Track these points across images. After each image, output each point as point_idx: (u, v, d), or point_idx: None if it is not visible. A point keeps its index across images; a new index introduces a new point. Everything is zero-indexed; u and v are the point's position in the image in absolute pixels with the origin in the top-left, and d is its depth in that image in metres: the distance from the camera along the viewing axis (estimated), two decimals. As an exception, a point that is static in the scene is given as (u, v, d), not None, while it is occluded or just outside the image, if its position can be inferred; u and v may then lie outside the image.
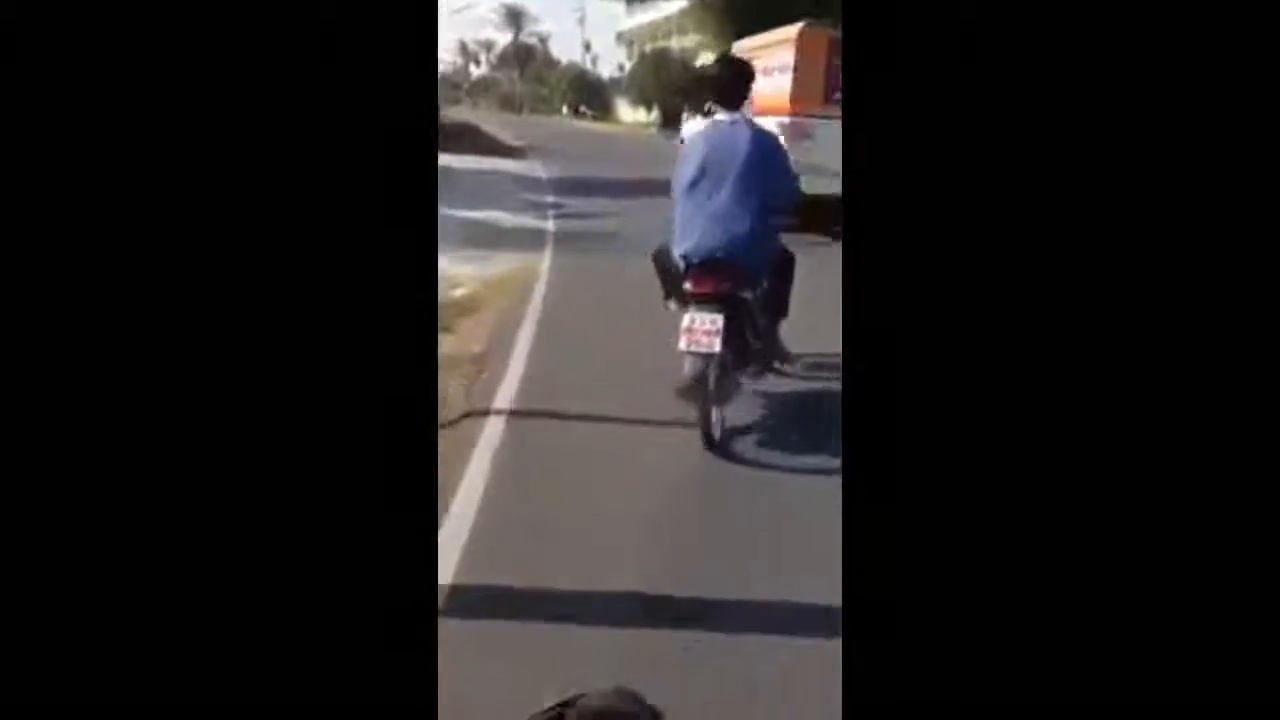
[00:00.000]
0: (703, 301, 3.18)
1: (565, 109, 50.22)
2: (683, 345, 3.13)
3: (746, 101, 3.50)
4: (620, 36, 41.70)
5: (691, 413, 3.22)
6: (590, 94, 48.77)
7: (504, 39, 67.41)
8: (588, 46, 52.89)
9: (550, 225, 8.90)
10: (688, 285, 3.25)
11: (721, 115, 3.42)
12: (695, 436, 3.22)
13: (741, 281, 3.27)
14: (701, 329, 3.11)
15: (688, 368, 3.16)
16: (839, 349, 1.10)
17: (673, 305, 3.52)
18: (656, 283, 3.64)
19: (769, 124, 4.70)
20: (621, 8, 41.56)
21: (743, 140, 3.28)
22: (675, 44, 30.54)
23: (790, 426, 3.53)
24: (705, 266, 3.23)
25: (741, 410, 3.52)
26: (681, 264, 3.33)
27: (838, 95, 7.91)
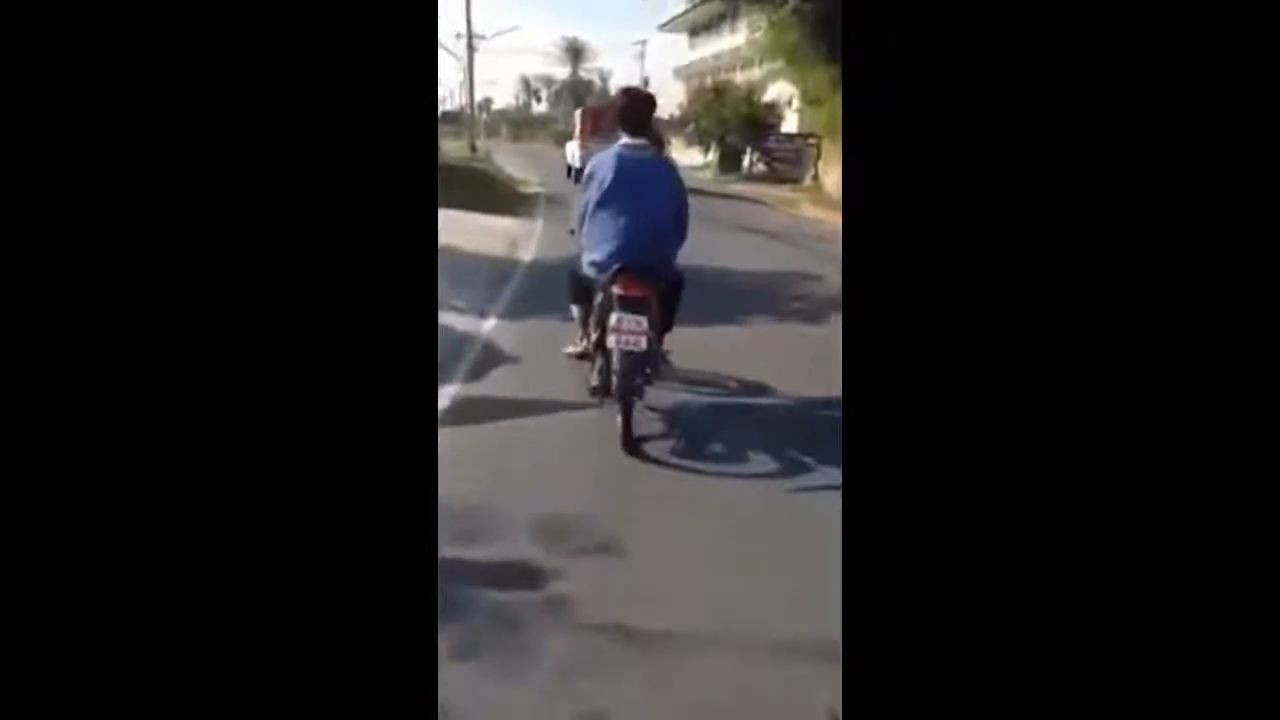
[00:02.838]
0: (629, 304, 3.40)
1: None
2: (612, 342, 3.39)
3: (649, 129, 3.71)
4: (678, 71, 39.85)
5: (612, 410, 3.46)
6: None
7: (563, 74, 67.30)
8: (645, 82, 51.73)
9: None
10: (616, 290, 3.44)
11: (628, 140, 3.61)
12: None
13: (658, 287, 3.57)
14: (629, 329, 3.36)
15: (618, 363, 3.41)
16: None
17: (575, 311, 4.02)
18: None
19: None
20: (685, 39, 40.07)
21: (650, 163, 3.60)
22: (740, 78, 28.51)
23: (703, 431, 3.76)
24: (632, 271, 3.46)
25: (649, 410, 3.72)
26: (593, 271, 3.60)
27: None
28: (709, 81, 29.58)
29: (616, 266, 3.45)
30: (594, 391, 3.58)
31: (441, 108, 44.93)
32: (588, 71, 66.72)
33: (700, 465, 3.44)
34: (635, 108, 3.67)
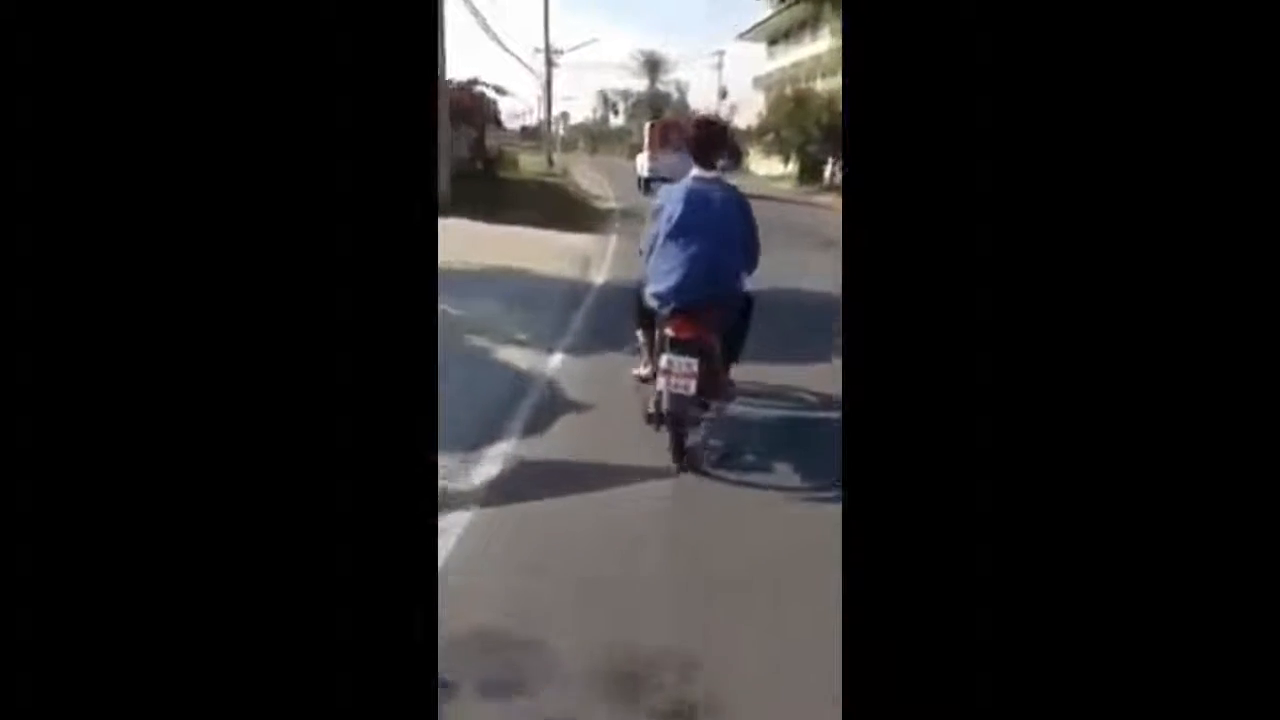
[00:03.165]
0: (680, 346, 3.36)
1: (695, 159, 47.89)
2: (661, 385, 3.37)
3: (721, 160, 3.68)
4: (758, 81, 38.92)
5: (664, 441, 3.41)
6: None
7: (640, 87, 66.81)
8: (723, 94, 50.98)
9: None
10: (669, 331, 3.42)
11: (698, 172, 3.56)
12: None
13: (715, 328, 3.48)
14: (679, 372, 3.31)
15: (667, 403, 3.40)
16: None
17: (640, 336, 3.94)
18: None
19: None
20: (764, 49, 39.20)
21: (719, 197, 3.49)
22: (820, 86, 27.49)
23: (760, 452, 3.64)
24: (686, 313, 3.41)
25: (711, 436, 3.55)
26: (655, 303, 3.53)
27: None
28: (789, 90, 28.62)
29: (672, 306, 3.44)
30: (649, 419, 3.58)
31: (520, 123, 45.21)
32: (665, 84, 66.07)
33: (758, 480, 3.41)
34: (707, 138, 3.63)
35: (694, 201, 3.45)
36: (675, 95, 64.74)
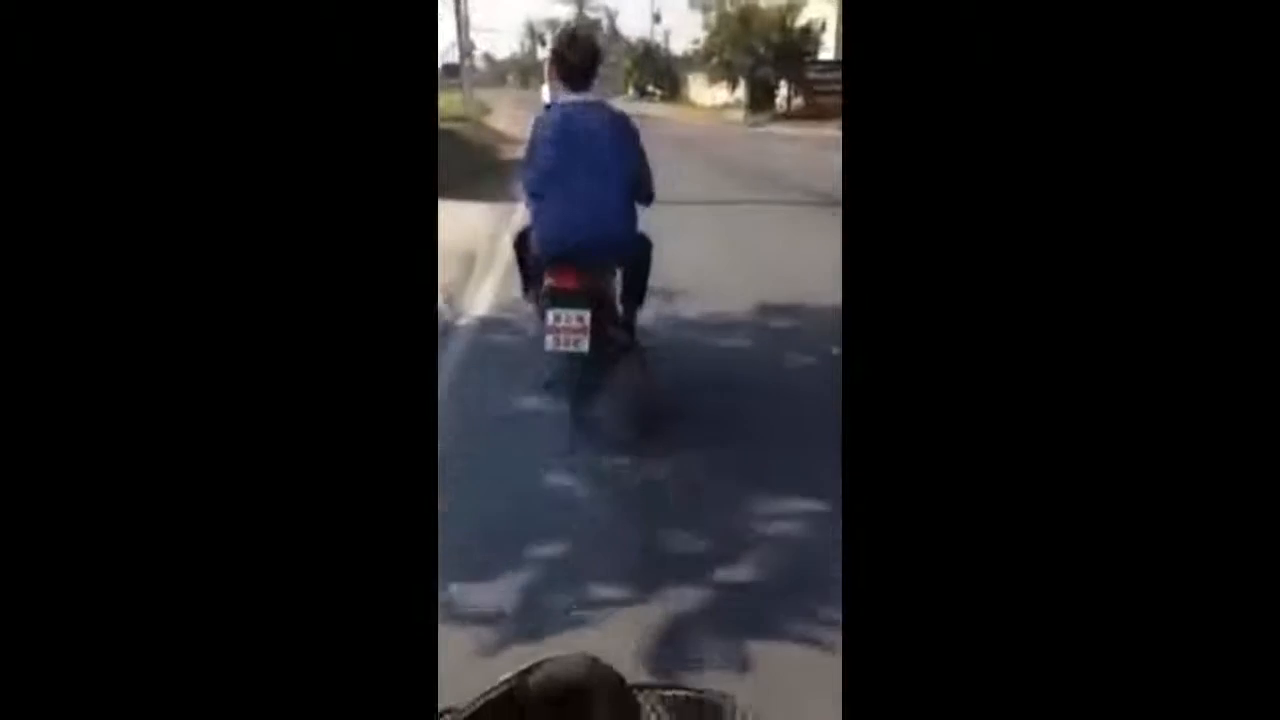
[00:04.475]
0: (565, 298, 3.02)
1: (631, 90, 45.06)
2: (549, 344, 3.03)
3: (595, 82, 3.23)
4: (693, 2, 35.35)
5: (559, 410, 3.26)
6: (659, 71, 43.94)
7: (568, 14, 63.78)
8: (658, 17, 47.69)
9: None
10: (549, 281, 3.07)
11: (570, 96, 3.14)
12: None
13: (604, 274, 3.19)
14: (568, 326, 3.01)
15: (549, 368, 3.19)
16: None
17: (530, 298, 3.42)
18: None
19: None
20: (697, -34, 35.48)
21: (599, 124, 3.09)
22: (766, 1, 24.25)
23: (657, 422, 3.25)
24: (568, 260, 3.06)
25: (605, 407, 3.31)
26: (536, 250, 3.19)
27: None
28: (731, 7, 25.29)
29: (555, 253, 3.06)
30: (547, 386, 3.28)
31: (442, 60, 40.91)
32: (593, 9, 63.80)
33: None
34: (571, 60, 3.13)
35: (568, 131, 3.05)
36: (604, 21, 62.59)
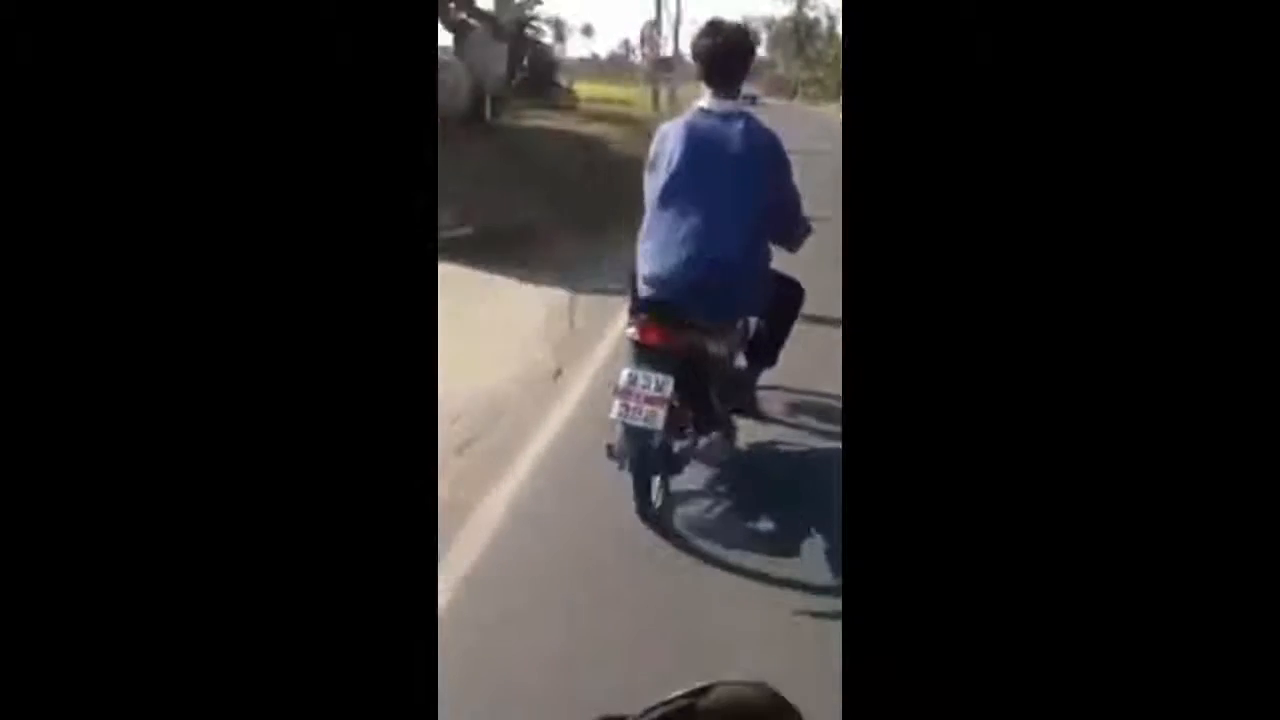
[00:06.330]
0: (648, 357, 2.46)
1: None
2: (615, 412, 2.42)
3: (743, 85, 2.69)
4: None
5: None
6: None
7: (785, 12, 59.53)
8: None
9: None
10: (629, 331, 2.55)
11: (708, 103, 2.60)
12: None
13: (707, 331, 2.55)
14: (642, 393, 2.40)
15: (619, 444, 2.50)
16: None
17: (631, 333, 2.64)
18: None
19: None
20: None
21: (735, 138, 2.50)
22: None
23: (752, 504, 2.75)
24: (660, 307, 2.50)
25: (694, 482, 2.78)
26: (644, 293, 2.58)
27: None
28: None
29: (647, 298, 2.52)
30: (610, 452, 2.55)
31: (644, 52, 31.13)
32: (812, 8, 59.74)
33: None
34: (722, 51, 2.57)
35: (693, 145, 2.49)
36: (825, 22, 57.97)
